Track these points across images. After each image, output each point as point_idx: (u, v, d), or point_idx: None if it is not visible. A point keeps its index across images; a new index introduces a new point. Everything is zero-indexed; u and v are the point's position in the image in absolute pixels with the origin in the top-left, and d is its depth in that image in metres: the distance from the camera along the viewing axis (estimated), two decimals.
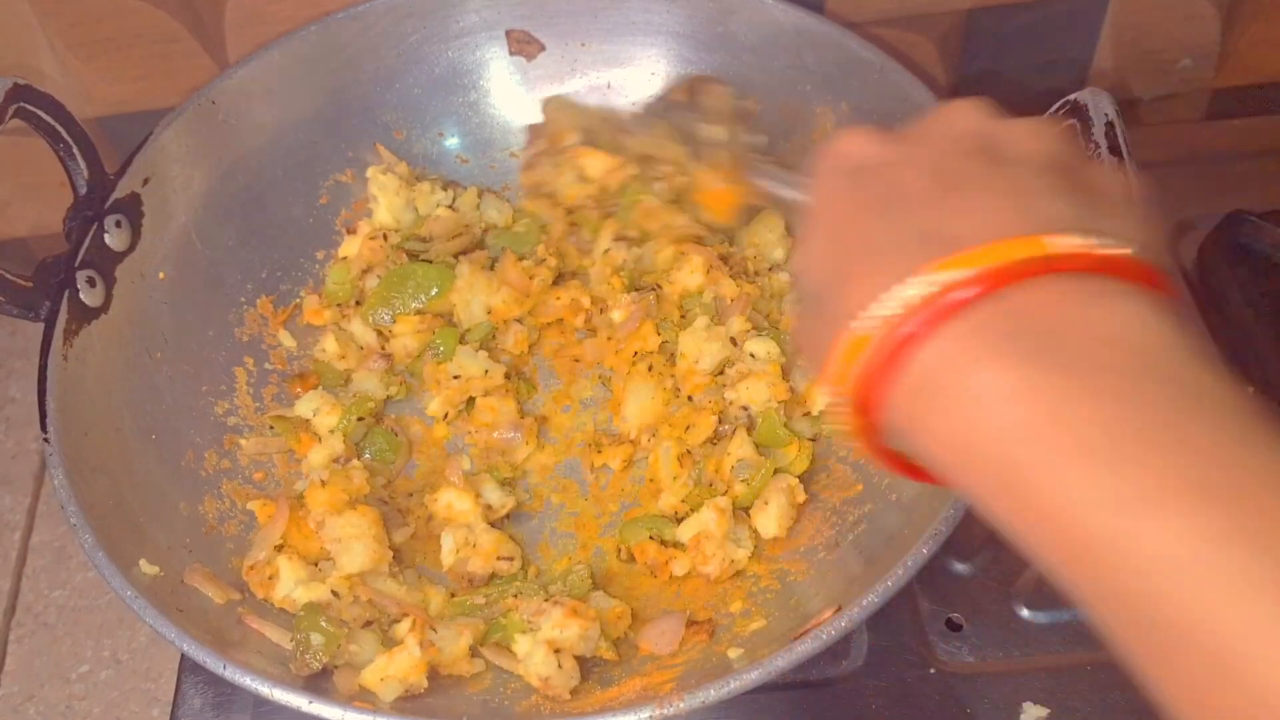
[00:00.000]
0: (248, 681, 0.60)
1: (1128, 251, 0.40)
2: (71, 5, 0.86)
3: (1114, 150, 0.65)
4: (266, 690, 0.60)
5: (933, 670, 0.75)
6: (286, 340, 0.88)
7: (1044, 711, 0.73)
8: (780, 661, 0.59)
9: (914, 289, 0.40)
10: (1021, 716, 0.73)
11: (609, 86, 0.94)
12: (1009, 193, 0.42)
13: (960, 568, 0.79)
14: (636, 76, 0.94)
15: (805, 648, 0.60)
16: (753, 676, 0.59)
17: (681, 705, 0.59)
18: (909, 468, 0.46)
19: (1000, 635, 0.76)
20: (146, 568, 0.67)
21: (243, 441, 0.81)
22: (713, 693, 0.59)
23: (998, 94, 0.88)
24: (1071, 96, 0.69)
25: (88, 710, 0.82)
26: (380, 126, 0.93)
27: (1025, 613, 0.77)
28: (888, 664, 0.75)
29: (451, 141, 0.95)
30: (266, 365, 0.86)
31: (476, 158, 0.95)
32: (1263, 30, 0.97)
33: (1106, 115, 0.66)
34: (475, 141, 0.95)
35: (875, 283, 0.41)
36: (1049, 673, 0.75)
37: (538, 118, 0.93)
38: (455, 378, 0.83)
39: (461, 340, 0.86)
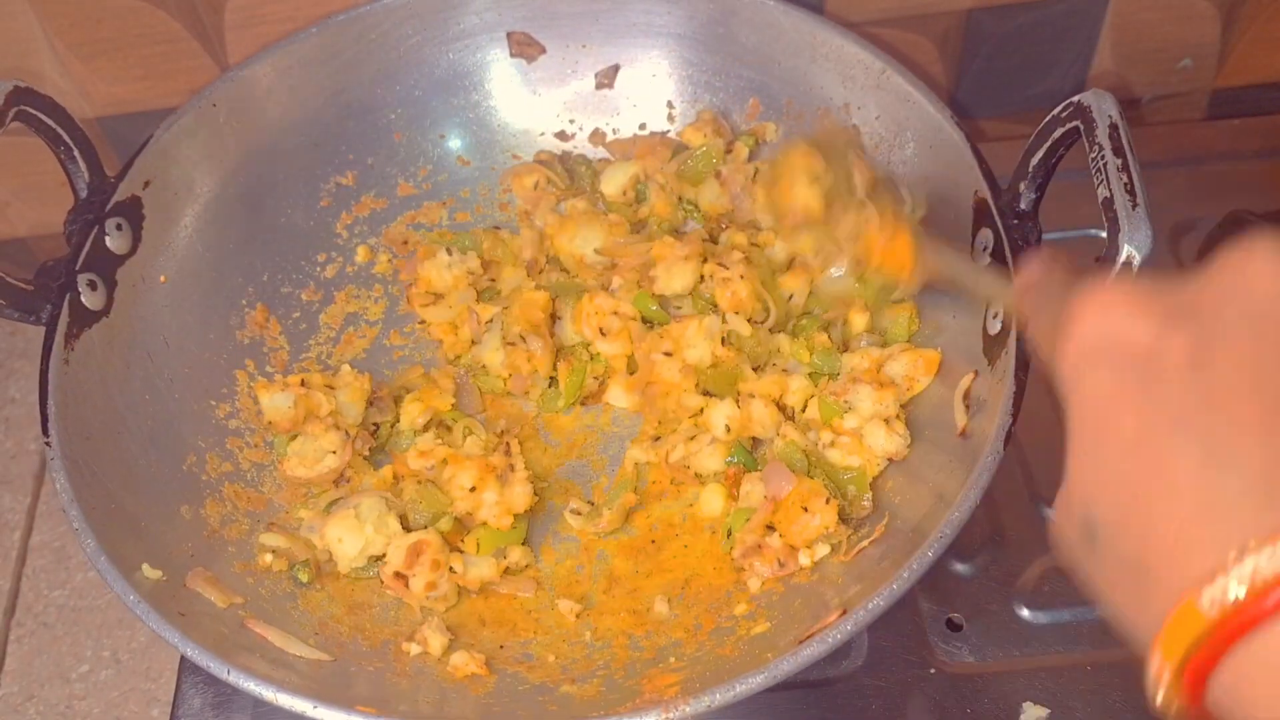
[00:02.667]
0: (251, 686, 0.60)
1: None
2: (72, 5, 0.86)
3: (1118, 152, 0.65)
4: (271, 695, 0.60)
5: (933, 670, 0.75)
6: (285, 344, 0.88)
7: (1044, 711, 0.73)
8: (786, 665, 0.59)
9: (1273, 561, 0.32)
10: (1021, 716, 0.73)
11: (612, 88, 0.94)
12: None
13: (961, 568, 0.79)
14: (637, 78, 0.94)
15: (811, 651, 0.60)
16: (758, 680, 0.59)
17: (687, 709, 0.59)
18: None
19: (1000, 635, 0.76)
20: (149, 572, 0.67)
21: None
22: (718, 696, 0.59)
23: (998, 94, 0.89)
24: (1075, 99, 0.68)
25: (88, 710, 0.82)
26: (381, 129, 0.93)
27: (1025, 613, 0.77)
28: (888, 664, 0.75)
29: (453, 143, 0.95)
30: (268, 368, 0.86)
31: (478, 159, 0.95)
32: (1263, 30, 0.98)
33: (1110, 117, 0.66)
34: (476, 143, 0.95)
35: (1211, 542, 0.33)
36: (1049, 673, 0.75)
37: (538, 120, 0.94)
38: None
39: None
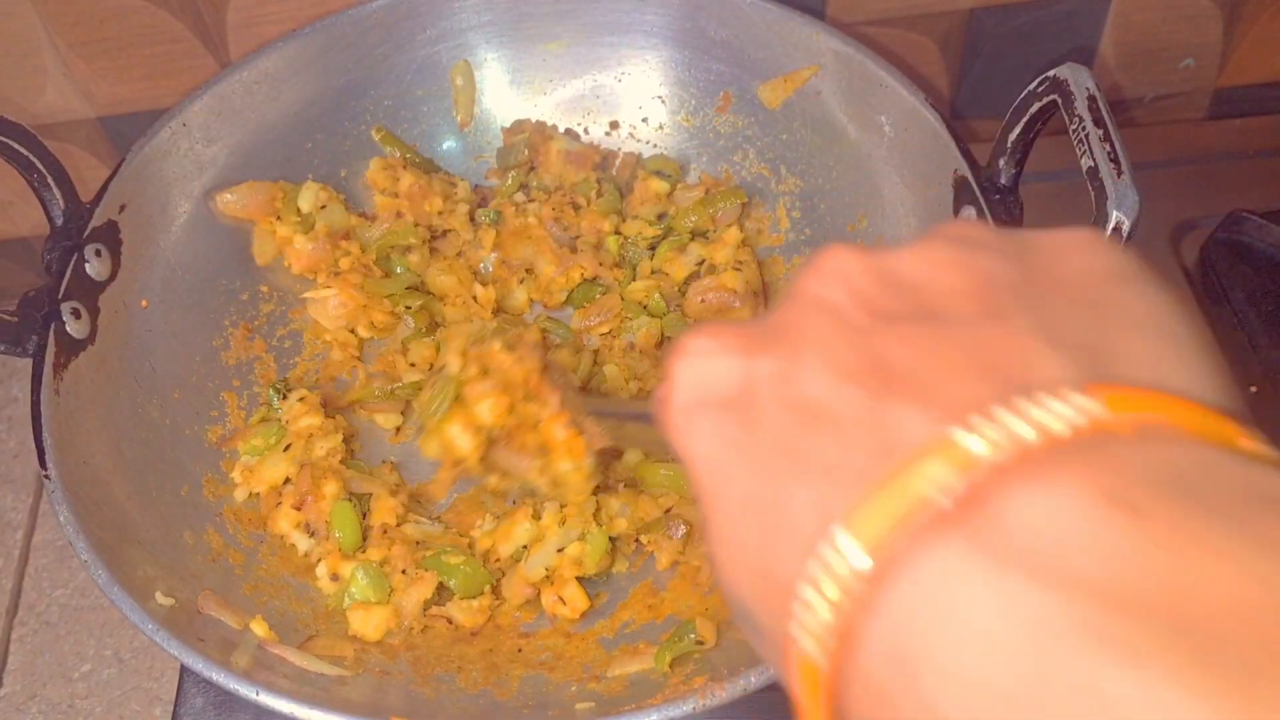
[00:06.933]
0: (283, 705, 0.60)
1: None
2: (74, 5, 0.85)
3: (1098, 123, 0.66)
4: (304, 712, 0.59)
5: None
6: (271, 363, 0.87)
7: None
8: None
9: (817, 584, 0.27)
10: None
11: (593, 85, 0.95)
12: (958, 365, 0.28)
13: None
14: (606, 78, 0.94)
15: None
16: None
17: (723, 694, 0.59)
18: None
19: None
20: (162, 599, 0.66)
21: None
22: (753, 679, 0.60)
23: (1000, 94, 0.88)
24: (1050, 73, 0.70)
25: (90, 709, 0.81)
26: (351, 140, 0.92)
27: None
28: None
29: (425, 151, 0.94)
30: (255, 388, 0.85)
31: (450, 166, 0.95)
32: (1265, 30, 0.98)
33: (1088, 89, 0.67)
34: (448, 150, 0.95)
35: (800, 562, 0.28)
36: None
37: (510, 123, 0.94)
38: None
39: None
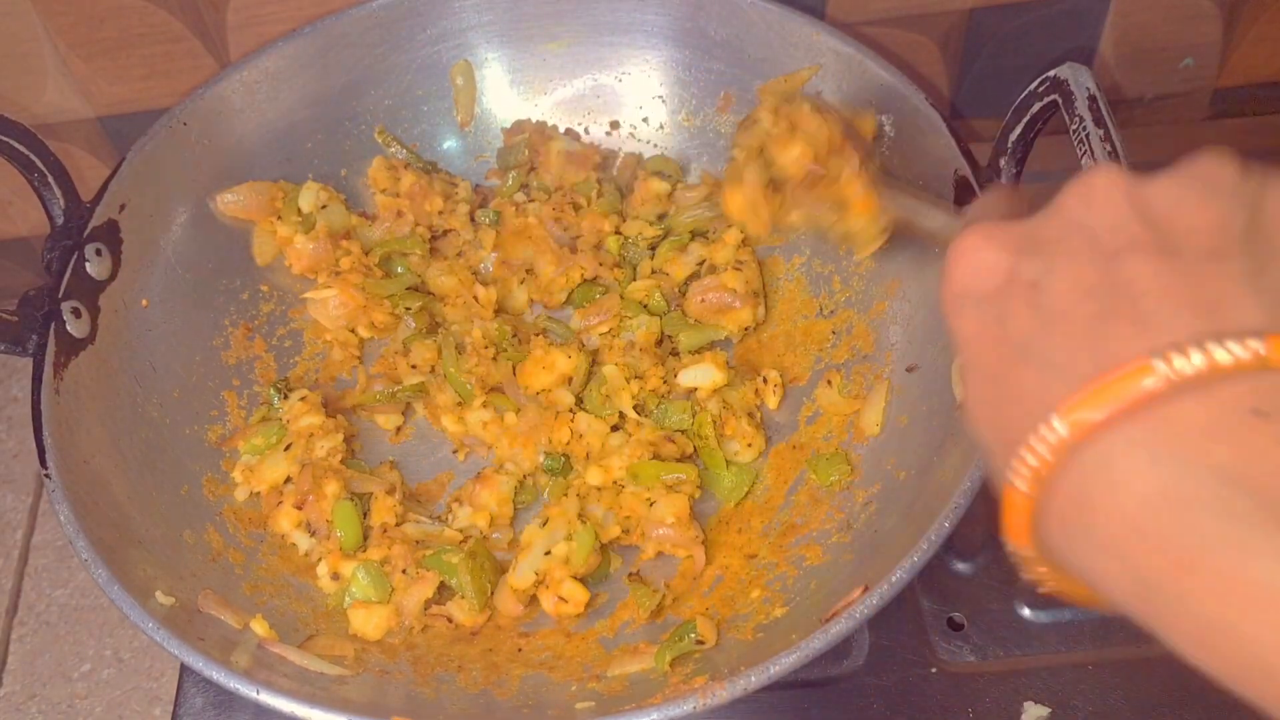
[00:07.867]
0: (283, 704, 0.59)
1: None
2: (73, 5, 0.85)
3: (1099, 123, 0.66)
4: (305, 712, 0.59)
5: (934, 670, 0.76)
6: (271, 361, 0.87)
7: (1045, 711, 0.74)
8: (817, 643, 0.60)
9: (1051, 432, 0.38)
10: (1022, 716, 0.74)
11: (593, 85, 0.95)
12: (1176, 298, 0.37)
13: (962, 567, 0.80)
14: (606, 78, 0.94)
15: (841, 627, 0.60)
16: (792, 659, 0.60)
17: (724, 694, 0.59)
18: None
19: (1001, 635, 0.77)
20: (162, 598, 0.66)
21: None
22: (754, 679, 0.59)
23: (1000, 94, 0.89)
24: (1051, 73, 0.70)
25: (89, 709, 0.81)
26: (352, 140, 0.92)
27: (1026, 612, 0.78)
28: (889, 663, 0.76)
29: (424, 151, 0.94)
30: (255, 388, 0.85)
31: (450, 166, 0.95)
32: (1265, 29, 0.99)
33: (1088, 89, 0.68)
34: (449, 150, 0.95)
35: (1023, 429, 0.39)
36: (1050, 672, 0.76)
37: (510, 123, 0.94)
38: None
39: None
